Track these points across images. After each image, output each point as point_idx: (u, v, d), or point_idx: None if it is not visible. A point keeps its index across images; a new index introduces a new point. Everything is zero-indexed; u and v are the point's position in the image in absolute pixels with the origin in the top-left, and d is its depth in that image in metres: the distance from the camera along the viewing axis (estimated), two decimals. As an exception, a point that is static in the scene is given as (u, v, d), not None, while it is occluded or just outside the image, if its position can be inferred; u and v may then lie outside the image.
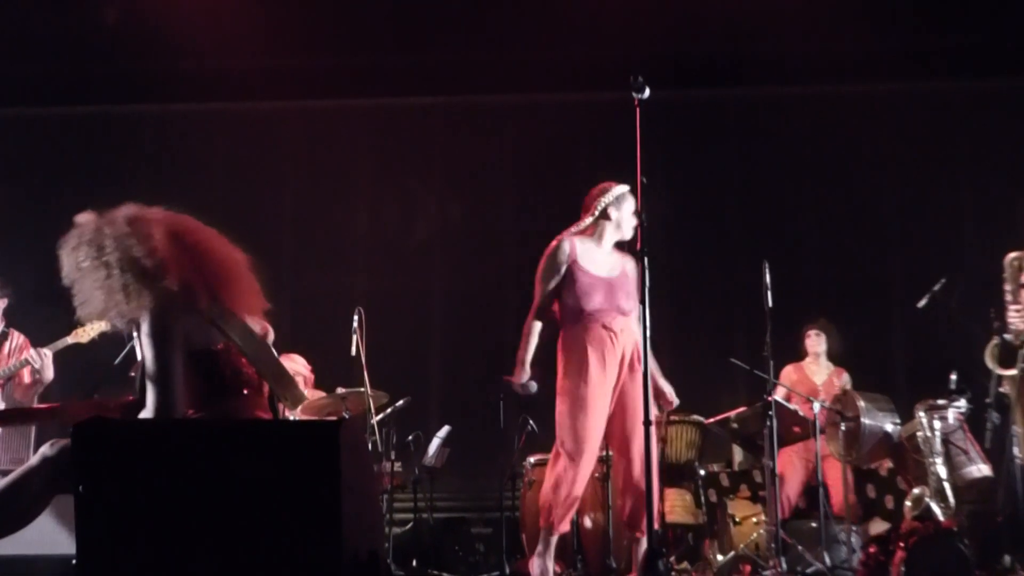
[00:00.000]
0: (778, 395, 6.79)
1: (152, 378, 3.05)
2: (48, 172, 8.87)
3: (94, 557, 2.67)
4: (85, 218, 3.21)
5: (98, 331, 5.72)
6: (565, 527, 5.05)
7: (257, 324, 3.43)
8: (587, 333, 5.02)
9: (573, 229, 5.19)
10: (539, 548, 4.98)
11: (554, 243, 5.16)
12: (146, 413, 3.06)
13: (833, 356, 7.10)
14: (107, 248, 3.11)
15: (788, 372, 7.06)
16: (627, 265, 5.16)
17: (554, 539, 4.97)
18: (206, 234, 3.31)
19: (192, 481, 2.70)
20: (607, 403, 5.03)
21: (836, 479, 6.17)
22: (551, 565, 4.98)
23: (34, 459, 3.08)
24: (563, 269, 5.08)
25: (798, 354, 7.12)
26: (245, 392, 3.23)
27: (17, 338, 6.18)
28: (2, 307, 6.20)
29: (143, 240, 3.11)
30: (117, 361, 5.61)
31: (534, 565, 4.98)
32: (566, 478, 4.93)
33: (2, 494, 3.05)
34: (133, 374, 3.12)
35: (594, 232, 5.18)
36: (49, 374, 5.97)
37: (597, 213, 5.17)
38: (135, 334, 3.19)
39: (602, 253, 5.17)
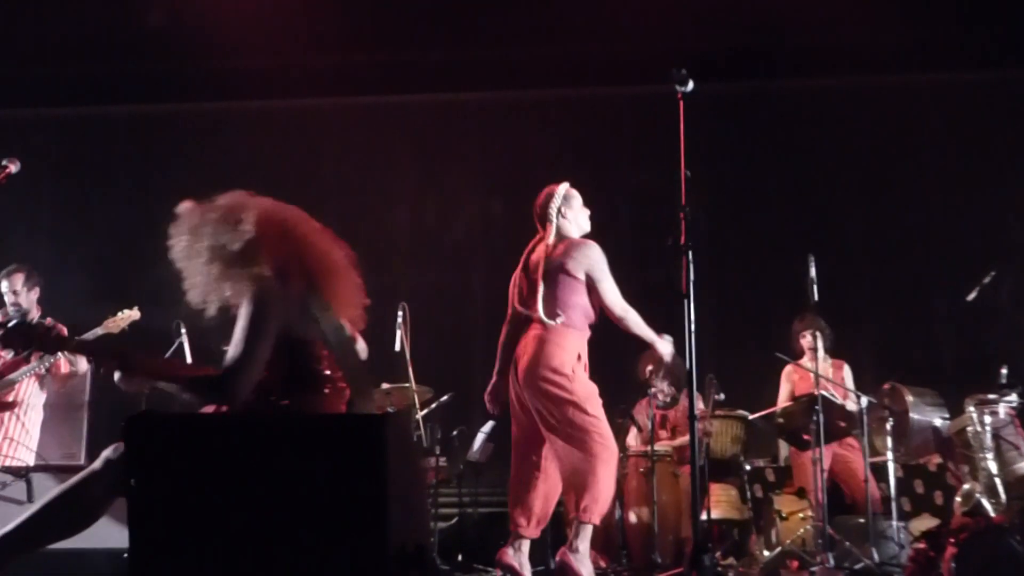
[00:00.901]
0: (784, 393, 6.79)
1: (234, 350, 3.10)
2: (91, 171, 9.01)
3: (146, 549, 2.71)
4: (186, 207, 3.31)
5: (128, 322, 5.75)
6: None
7: (353, 333, 3.46)
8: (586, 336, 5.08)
9: (549, 240, 5.13)
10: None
11: (588, 243, 5.11)
12: (215, 372, 3.11)
13: (829, 349, 6.99)
14: (203, 235, 3.21)
15: (788, 372, 6.98)
16: None
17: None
18: (310, 226, 3.38)
19: (241, 474, 2.73)
20: None
21: (855, 472, 6.13)
22: None
23: (97, 462, 3.14)
24: None
25: (793, 353, 7.01)
26: (326, 391, 3.26)
27: (54, 327, 6.18)
28: (35, 296, 6.18)
29: (234, 226, 3.19)
30: (167, 356, 5.68)
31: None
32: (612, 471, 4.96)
33: (66, 495, 3.12)
34: (225, 348, 3.17)
35: (559, 238, 5.15)
36: (83, 365, 5.98)
37: (554, 218, 5.16)
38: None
39: None
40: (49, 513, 3.10)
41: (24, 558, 3.11)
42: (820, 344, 6.77)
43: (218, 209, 3.26)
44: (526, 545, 5.07)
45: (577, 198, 5.24)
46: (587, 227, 5.23)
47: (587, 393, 4.94)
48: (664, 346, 5.06)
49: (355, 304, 3.42)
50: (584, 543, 4.92)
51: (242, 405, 3.13)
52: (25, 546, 3.12)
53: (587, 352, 5.04)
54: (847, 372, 6.94)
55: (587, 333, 5.06)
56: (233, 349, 3.10)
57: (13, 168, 4.66)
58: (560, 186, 5.24)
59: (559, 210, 5.17)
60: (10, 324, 3.30)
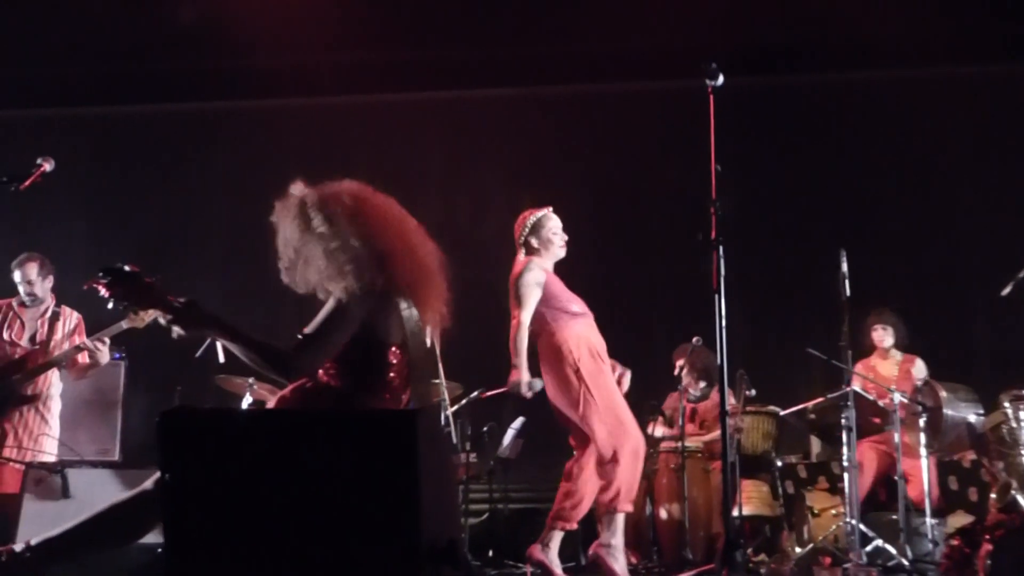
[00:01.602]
0: (855, 385, 6.69)
1: (311, 334, 3.19)
2: (122, 170, 9.09)
3: (180, 543, 2.73)
4: (301, 189, 3.42)
5: (152, 318, 5.71)
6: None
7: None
8: (588, 329, 5.16)
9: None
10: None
11: (520, 265, 5.25)
12: (283, 344, 3.17)
13: (902, 344, 6.93)
14: (328, 229, 3.29)
15: (858, 370, 6.88)
16: None
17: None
18: (420, 238, 3.50)
19: (274, 469, 2.75)
20: None
21: (916, 471, 6.04)
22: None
23: (149, 481, 3.23)
24: (542, 279, 5.17)
25: (864, 348, 6.95)
26: (387, 397, 3.32)
27: (71, 317, 6.10)
28: (49, 285, 6.11)
29: (362, 232, 3.29)
30: (198, 354, 5.72)
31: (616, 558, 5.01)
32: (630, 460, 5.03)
33: (118, 508, 3.21)
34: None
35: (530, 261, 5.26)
36: (105, 358, 5.95)
37: (523, 245, 5.33)
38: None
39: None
40: (98, 524, 3.19)
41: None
42: (890, 337, 6.75)
43: (349, 206, 3.34)
44: (556, 542, 5.11)
45: (547, 226, 5.32)
46: (560, 253, 5.31)
47: (592, 386, 5.01)
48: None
49: (439, 309, 3.52)
50: (616, 537, 4.98)
51: (306, 396, 3.22)
52: (71, 553, 3.18)
53: (591, 338, 5.14)
54: (919, 367, 6.81)
55: (576, 322, 5.14)
56: (310, 331, 3.18)
57: (48, 167, 4.70)
58: (534, 213, 5.35)
59: (525, 238, 5.33)
60: (118, 267, 3.31)
